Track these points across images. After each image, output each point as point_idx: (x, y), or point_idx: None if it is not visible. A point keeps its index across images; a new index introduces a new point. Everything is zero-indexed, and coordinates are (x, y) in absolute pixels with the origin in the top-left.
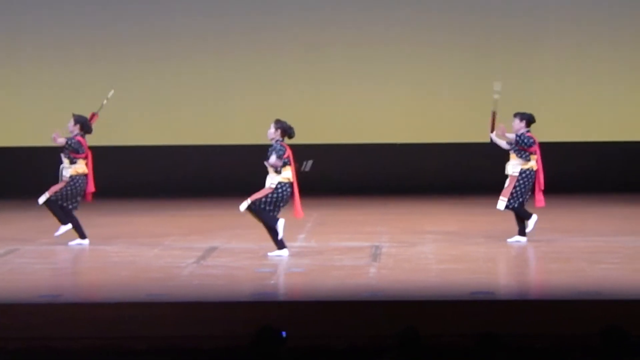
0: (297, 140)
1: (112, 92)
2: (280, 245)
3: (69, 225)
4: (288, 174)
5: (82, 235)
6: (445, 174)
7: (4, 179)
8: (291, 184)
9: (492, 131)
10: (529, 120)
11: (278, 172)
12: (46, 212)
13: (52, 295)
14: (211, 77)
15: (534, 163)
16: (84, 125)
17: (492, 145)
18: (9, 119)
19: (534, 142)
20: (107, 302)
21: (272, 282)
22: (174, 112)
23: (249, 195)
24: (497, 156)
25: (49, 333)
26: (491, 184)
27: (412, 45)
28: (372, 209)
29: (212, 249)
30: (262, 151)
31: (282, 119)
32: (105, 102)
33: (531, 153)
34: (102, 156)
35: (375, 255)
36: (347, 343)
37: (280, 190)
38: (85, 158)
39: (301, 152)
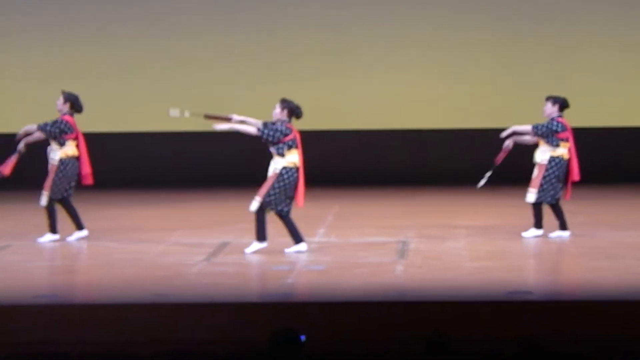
0: (314, 126)
1: None
2: (297, 239)
3: (57, 236)
4: (294, 157)
5: (80, 226)
6: (479, 161)
7: None
8: (297, 169)
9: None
10: (562, 104)
11: (282, 155)
12: None
13: (48, 295)
14: (219, 58)
15: (564, 151)
16: (75, 103)
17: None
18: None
19: (564, 128)
20: (109, 303)
21: (289, 281)
22: (179, 95)
23: (258, 186)
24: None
25: (44, 337)
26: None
27: (437, 23)
28: (398, 200)
29: (223, 245)
30: None
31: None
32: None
33: (561, 139)
34: (103, 144)
35: (402, 251)
36: (370, 348)
37: (286, 176)
38: (76, 139)
39: (319, 139)
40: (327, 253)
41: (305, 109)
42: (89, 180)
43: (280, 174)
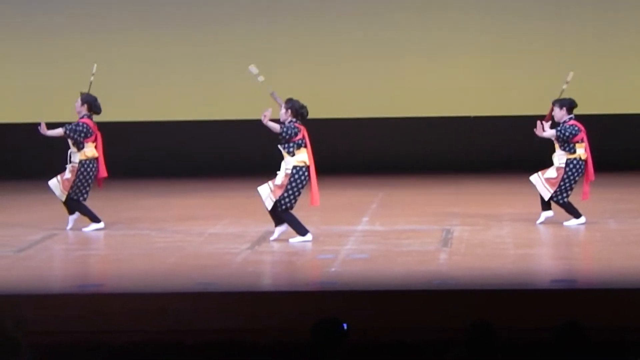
0: (361, 113)
1: (95, 66)
2: (302, 231)
3: (101, 224)
4: (303, 156)
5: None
6: (524, 148)
7: (33, 157)
8: (307, 168)
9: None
10: (569, 106)
11: (292, 154)
12: None
13: (93, 284)
14: (251, 45)
15: (581, 152)
16: (93, 105)
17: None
18: (23, 93)
19: (578, 131)
20: (153, 292)
21: (333, 269)
22: (218, 83)
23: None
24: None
25: (89, 326)
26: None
27: (487, 11)
28: (442, 188)
29: (267, 234)
30: (319, 125)
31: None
32: (92, 79)
33: (576, 142)
34: (144, 132)
35: (446, 239)
36: (414, 336)
37: (297, 176)
38: (95, 141)
39: (365, 127)
40: (371, 241)
41: (350, 97)
42: (99, 184)
43: (292, 175)
